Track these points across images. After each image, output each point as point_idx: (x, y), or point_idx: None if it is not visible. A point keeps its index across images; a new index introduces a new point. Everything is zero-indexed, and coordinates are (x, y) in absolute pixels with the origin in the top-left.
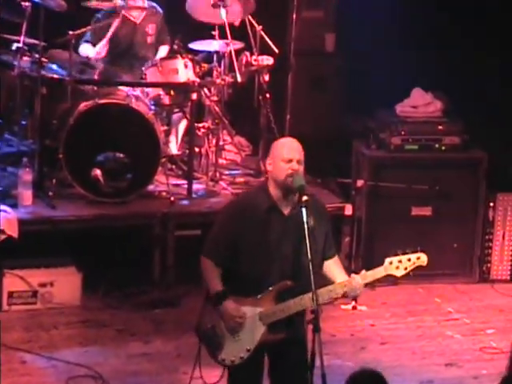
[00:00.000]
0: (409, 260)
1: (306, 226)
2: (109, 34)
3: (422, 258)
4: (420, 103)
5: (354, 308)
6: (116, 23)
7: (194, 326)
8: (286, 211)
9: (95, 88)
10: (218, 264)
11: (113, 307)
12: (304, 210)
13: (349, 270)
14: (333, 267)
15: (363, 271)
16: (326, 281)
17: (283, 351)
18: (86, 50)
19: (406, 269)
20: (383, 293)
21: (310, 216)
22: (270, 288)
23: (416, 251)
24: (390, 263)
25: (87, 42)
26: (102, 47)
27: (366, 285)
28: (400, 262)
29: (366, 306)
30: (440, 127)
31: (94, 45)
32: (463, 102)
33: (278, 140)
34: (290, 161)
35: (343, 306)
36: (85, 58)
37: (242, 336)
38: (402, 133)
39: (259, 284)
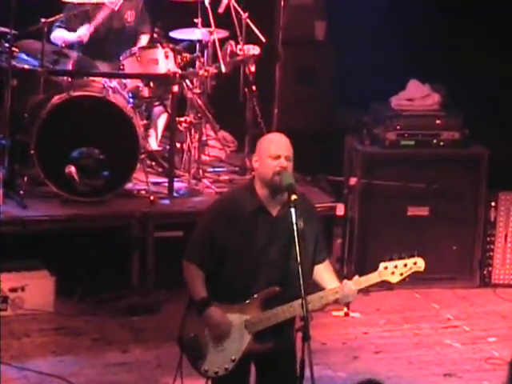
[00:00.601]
0: (405, 265)
1: (295, 228)
2: (97, 19)
3: (419, 264)
4: (417, 96)
5: (347, 314)
6: (104, 12)
7: (175, 334)
8: (274, 212)
9: (69, 79)
10: (202, 268)
11: (88, 314)
12: (293, 210)
13: (340, 275)
14: (324, 272)
15: (356, 277)
16: (316, 286)
17: (271, 361)
18: (61, 34)
19: (401, 275)
20: (377, 298)
21: (299, 217)
22: (257, 294)
23: (413, 256)
24: (385, 268)
25: (59, 27)
26: (85, 32)
27: (360, 290)
28: (395, 267)
29: (359, 312)
30: (438, 121)
31: (69, 30)
32: (462, 94)
33: (264, 135)
34: (278, 157)
35: (335, 313)
36: (58, 46)
37: (226, 345)
38: (398, 127)
39: (245, 290)
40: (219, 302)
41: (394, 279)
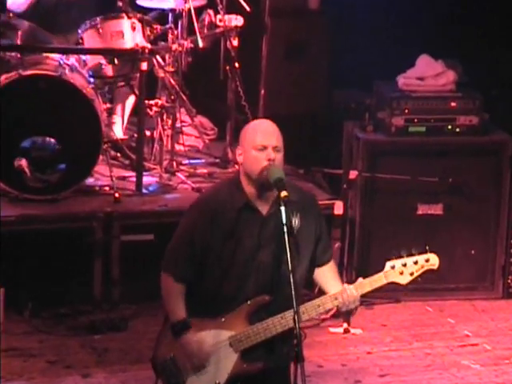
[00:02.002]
0: (415, 263)
1: (285, 230)
2: None
3: (432, 261)
4: (428, 74)
5: (347, 331)
6: None
7: (144, 356)
8: (264, 210)
9: (18, 56)
10: (182, 281)
11: (43, 332)
12: (283, 209)
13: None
14: (327, 275)
15: (360, 279)
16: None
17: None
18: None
19: (412, 274)
20: (382, 312)
21: (295, 215)
22: (242, 305)
23: (424, 252)
24: (392, 268)
25: None
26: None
27: (363, 297)
28: (404, 265)
29: (361, 328)
30: (453, 104)
31: None
32: (481, 72)
33: (248, 124)
34: (265, 148)
35: (332, 329)
36: (5, 17)
37: (209, 368)
38: (406, 111)
39: (231, 300)
40: (199, 316)
41: (404, 280)
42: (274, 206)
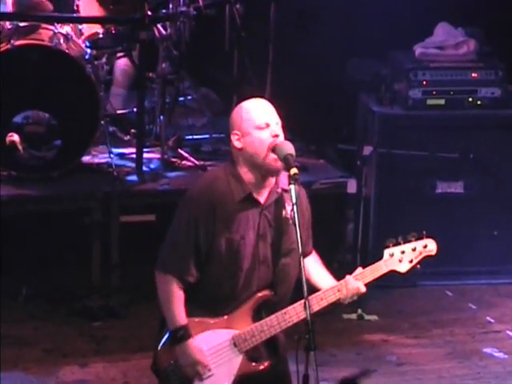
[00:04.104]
0: (413, 250)
1: (295, 209)
2: None
3: (430, 246)
4: (447, 43)
5: (361, 317)
6: None
7: (145, 344)
8: (262, 199)
9: (10, 25)
10: (182, 282)
11: (38, 319)
12: (293, 187)
13: (352, 267)
14: (313, 266)
15: (359, 269)
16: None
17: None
18: None
19: (411, 261)
20: (399, 297)
21: (287, 202)
22: (245, 302)
23: (421, 237)
24: (391, 256)
25: None
26: None
27: (367, 285)
28: (403, 252)
29: (377, 314)
30: (474, 75)
31: None
32: (505, 40)
33: (238, 106)
34: (268, 125)
35: (346, 315)
36: None
37: (214, 371)
38: (424, 83)
39: (233, 298)
40: (199, 315)
41: (404, 268)
42: (272, 195)
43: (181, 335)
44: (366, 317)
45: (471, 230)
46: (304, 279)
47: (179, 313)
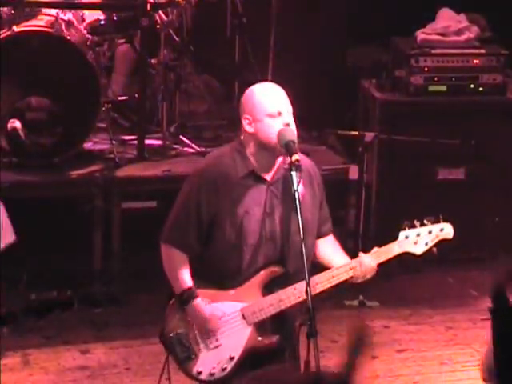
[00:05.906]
0: (430, 233)
1: (296, 195)
2: None
3: (447, 230)
4: (450, 29)
5: (362, 304)
6: None
7: (146, 330)
8: (269, 176)
9: (11, 10)
10: (186, 251)
11: (38, 306)
12: (294, 174)
13: (353, 253)
14: (329, 248)
15: (375, 248)
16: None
17: (270, 360)
18: None
19: (426, 244)
20: (401, 284)
21: (300, 181)
22: (255, 276)
23: (438, 221)
24: (406, 237)
25: None
26: None
27: (378, 268)
28: (418, 235)
29: (378, 301)
30: (476, 61)
31: None
32: (507, 27)
33: (251, 89)
34: (280, 114)
35: (347, 302)
36: None
37: (222, 341)
38: (425, 69)
39: (239, 271)
40: (207, 288)
41: (419, 250)
42: (278, 170)
43: (186, 297)
44: (368, 303)
45: (472, 216)
46: (305, 261)
47: (183, 278)
